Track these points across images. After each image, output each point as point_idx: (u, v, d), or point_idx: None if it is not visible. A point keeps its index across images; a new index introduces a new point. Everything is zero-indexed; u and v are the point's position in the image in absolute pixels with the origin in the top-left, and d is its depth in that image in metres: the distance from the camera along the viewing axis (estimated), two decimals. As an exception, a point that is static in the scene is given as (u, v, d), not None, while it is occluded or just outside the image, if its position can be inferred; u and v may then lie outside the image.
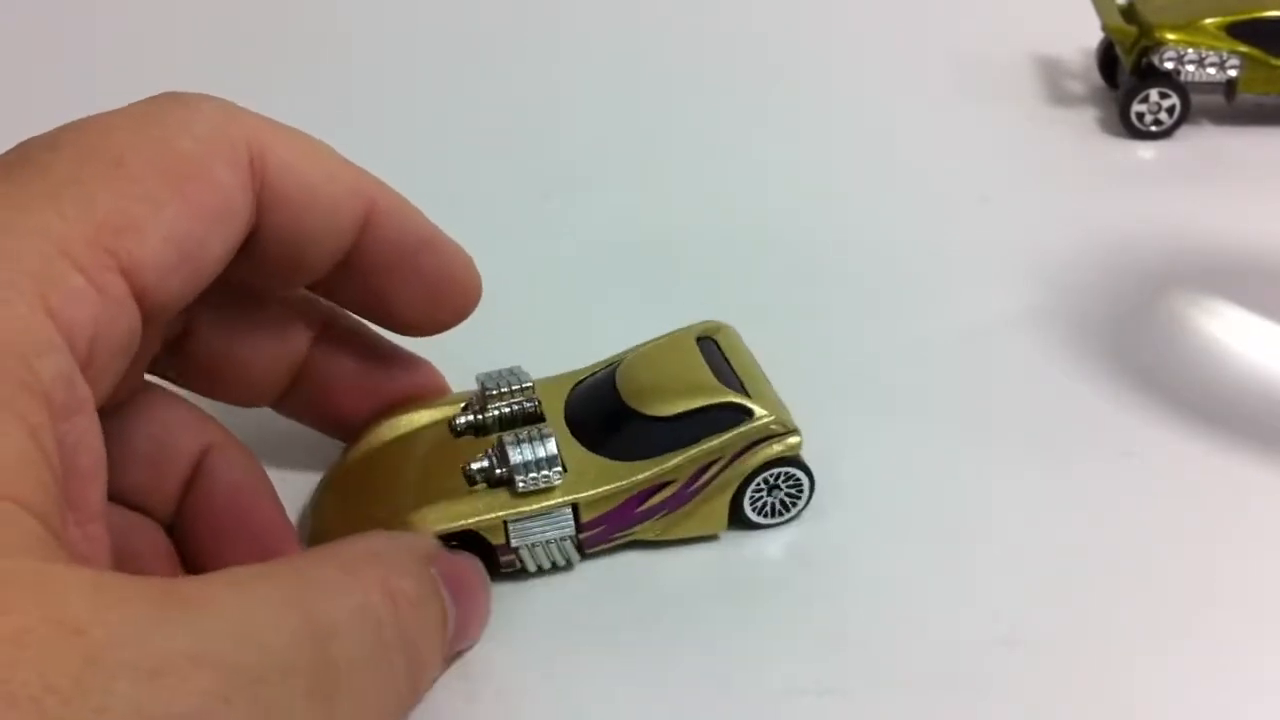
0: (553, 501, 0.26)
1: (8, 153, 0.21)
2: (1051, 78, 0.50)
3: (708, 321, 0.31)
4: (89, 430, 0.20)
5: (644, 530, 0.28)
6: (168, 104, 0.23)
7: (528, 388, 0.28)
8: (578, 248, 0.40)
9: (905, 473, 0.30)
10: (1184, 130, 0.45)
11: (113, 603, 0.16)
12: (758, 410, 0.27)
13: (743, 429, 0.27)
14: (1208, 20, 0.45)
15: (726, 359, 0.29)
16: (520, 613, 0.26)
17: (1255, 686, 0.25)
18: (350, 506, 0.28)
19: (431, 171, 0.44)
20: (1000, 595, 0.27)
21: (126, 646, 0.16)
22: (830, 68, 0.52)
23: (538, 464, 0.26)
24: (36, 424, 0.18)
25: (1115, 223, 0.40)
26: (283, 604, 0.19)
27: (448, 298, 0.27)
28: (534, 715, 0.24)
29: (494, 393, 0.28)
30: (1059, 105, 0.48)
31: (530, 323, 0.36)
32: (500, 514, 0.26)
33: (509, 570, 0.27)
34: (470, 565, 0.25)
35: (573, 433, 0.28)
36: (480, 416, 0.28)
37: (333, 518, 0.28)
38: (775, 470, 0.28)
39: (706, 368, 0.28)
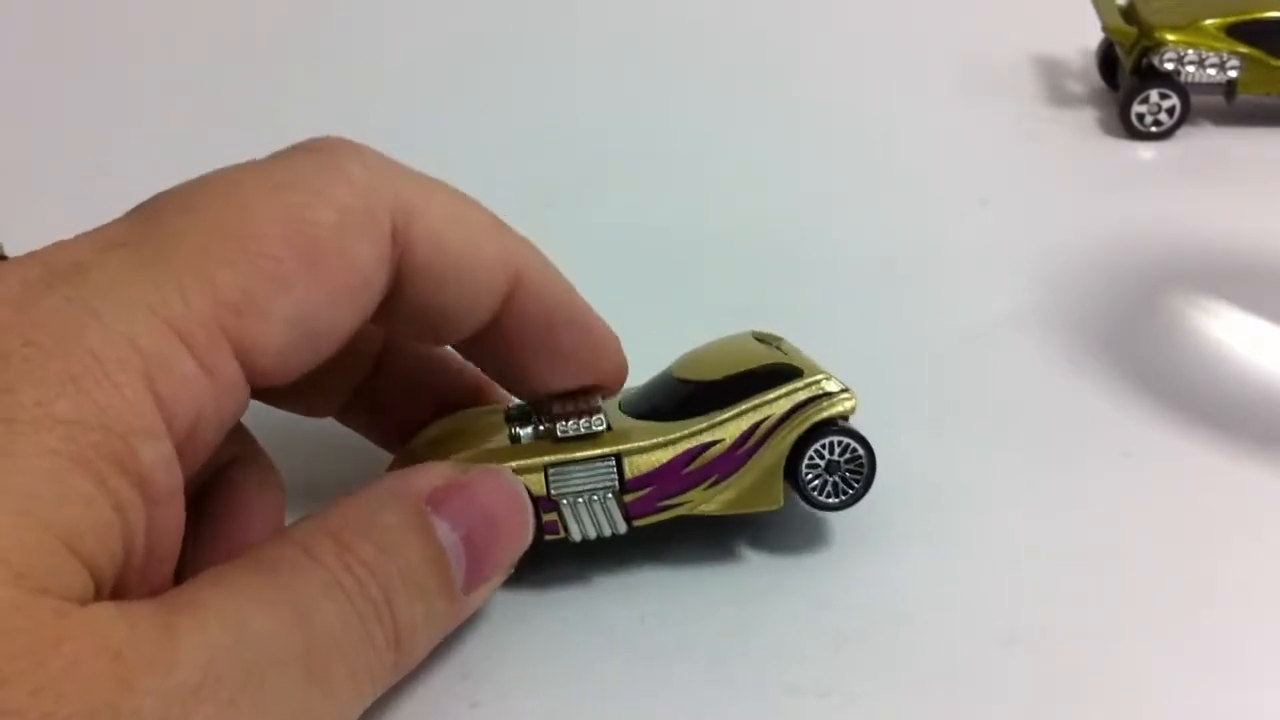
0: (595, 451, 0.26)
1: (143, 207, 0.21)
2: (1052, 78, 0.50)
3: (763, 330, 0.30)
4: (175, 516, 0.19)
5: (694, 499, 0.27)
6: (314, 163, 0.21)
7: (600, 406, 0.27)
8: (578, 254, 0.40)
9: (905, 472, 0.30)
10: (1184, 131, 0.45)
11: (135, 623, 0.17)
12: (808, 371, 0.27)
13: (790, 386, 0.27)
14: (1208, 21, 0.45)
15: (781, 349, 0.29)
16: (522, 614, 0.26)
17: (1255, 685, 0.25)
18: None
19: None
20: (1000, 595, 0.27)
21: (149, 668, 0.17)
22: (830, 68, 0.52)
23: (581, 413, 0.26)
24: (126, 501, 0.18)
25: (1115, 223, 0.40)
26: (265, 592, 0.19)
27: (588, 378, 0.26)
28: (534, 716, 0.24)
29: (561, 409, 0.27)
30: (1059, 106, 0.48)
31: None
32: (541, 459, 0.25)
33: (552, 536, 0.26)
34: (485, 486, 0.24)
35: (624, 413, 0.28)
36: (540, 427, 0.27)
37: None
38: (828, 440, 0.27)
39: (761, 346, 0.28)
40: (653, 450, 0.26)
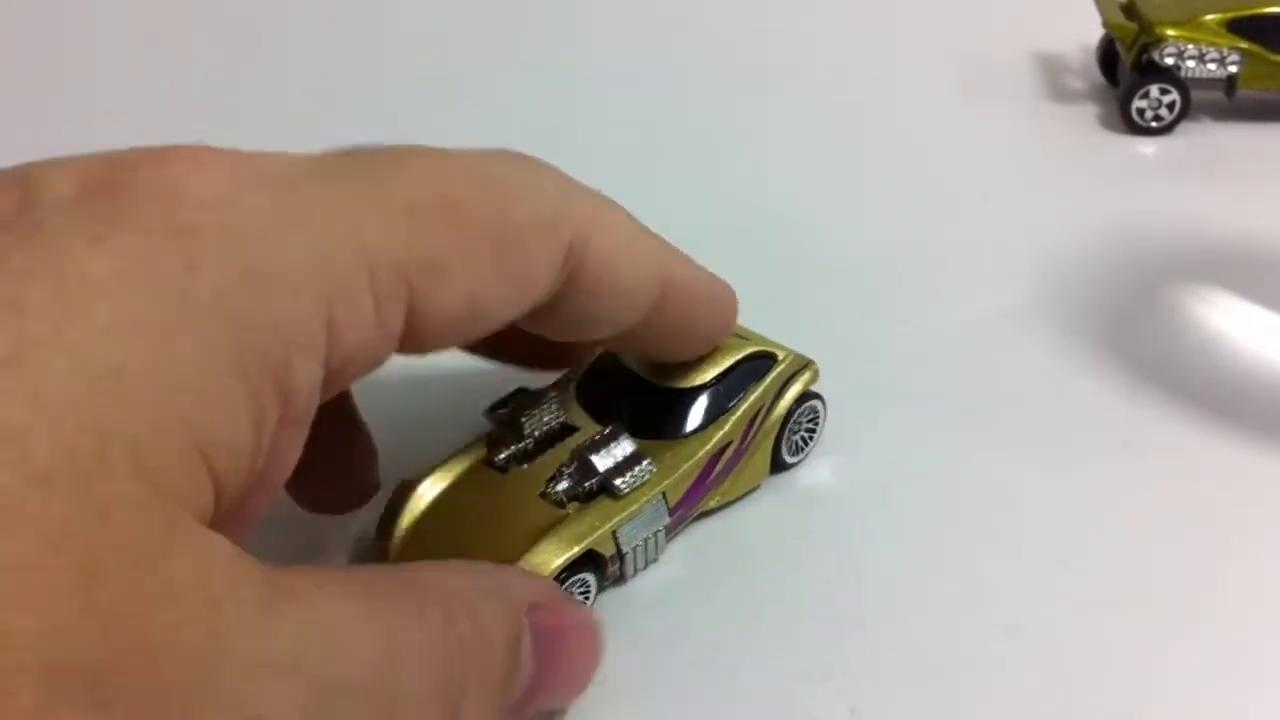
0: (650, 495, 0.26)
1: (350, 151, 0.21)
2: (1052, 74, 0.50)
3: None
4: (297, 443, 0.19)
5: (708, 500, 0.28)
6: (516, 167, 0.23)
7: (553, 399, 0.28)
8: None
9: (907, 463, 0.30)
10: (1184, 126, 0.45)
11: (244, 579, 0.16)
12: (778, 351, 0.29)
13: (777, 370, 0.28)
14: (1208, 16, 0.45)
15: (740, 334, 0.29)
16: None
17: (1257, 675, 0.25)
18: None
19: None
20: (1002, 584, 0.27)
21: (242, 636, 0.16)
22: (830, 64, 0.52)
23: (628, 462, 0.26)
24: (267, 418, 0.17)
25: (1116, 218, 0.40)
26: (368, 620, 0.18)
27: (708, 340, 0.28)
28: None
29: (527, 417, 0.27)
30: (1060, 102, 0.48)
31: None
32: (611, 523, 0.26)
33: (609, 584, 0.27)
34: (578, 622, 0.23)
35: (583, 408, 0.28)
36: (519, 446, 0.27)
37: None
38: (802, 406, 0.29)
39: None
40: (687, 475, 0.27)
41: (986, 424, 0.32)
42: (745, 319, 0.31)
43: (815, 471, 0.30)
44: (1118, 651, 0.25)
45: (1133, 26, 0.46)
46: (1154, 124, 0.45)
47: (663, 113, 0.49)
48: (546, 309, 0.23)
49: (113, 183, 0.17)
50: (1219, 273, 0.37)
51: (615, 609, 0.26)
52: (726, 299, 0.27)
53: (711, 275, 0.26)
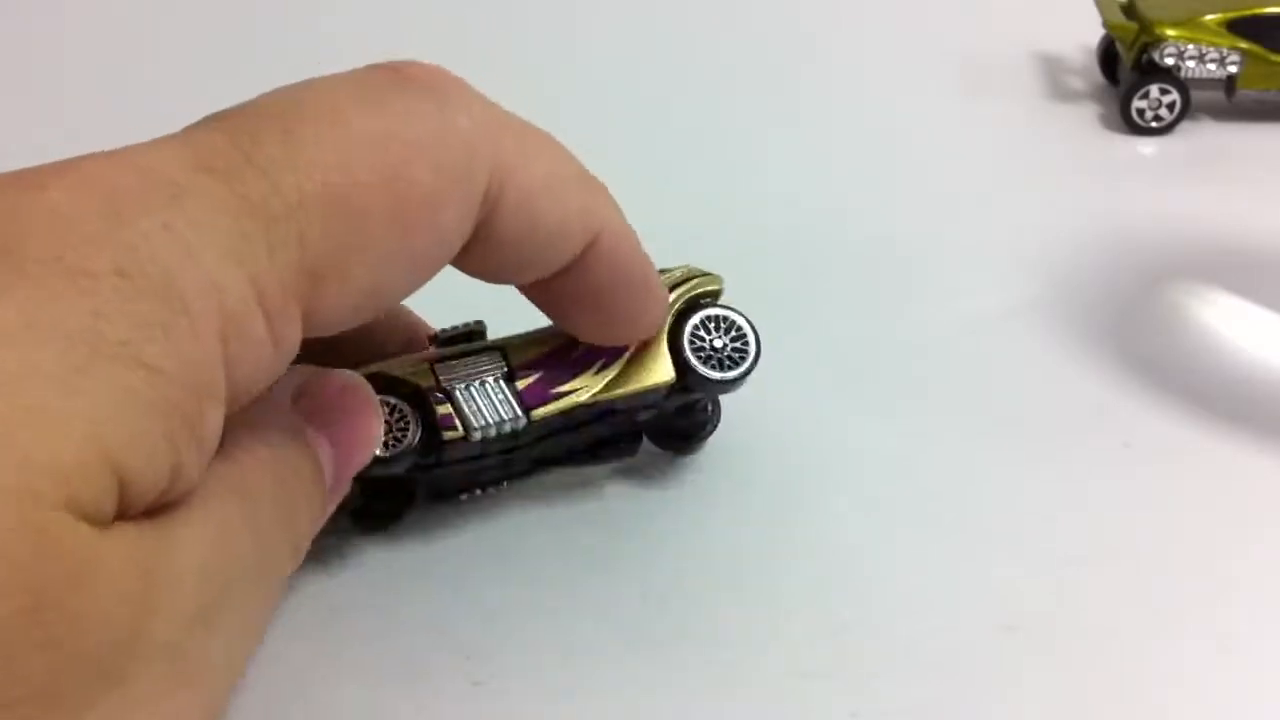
0: (478, 344, 0.26)
1: (238, 115, 0.19)
2: (1052, 74, 0.50)
3: None
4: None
5: (587, 384, 0.26)
6: (421, 109, 0.20)
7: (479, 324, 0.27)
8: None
9: (905, 461, 0.30)
10: (1184, 126, 0.46)
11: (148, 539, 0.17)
12: (678, 268, 0.28)
13: (666, 272, 0.27)
14: (1208, 17, 0.45)
15: None
16: (522, 595, 0.26)
17: (1257, 675, 0.25)
18: None
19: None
20: (1002, 584, 0.27)
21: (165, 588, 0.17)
22: (832, 64, 0.52)
23: (469, 335, 0.26)
24: (186, 464, 0.17)
25: (1116, 217, 0.40)
26: (239, 517, 0.19)
27: (631, 336, 0.26)
28: (536, 698, 0.24)
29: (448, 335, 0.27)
30: (1060, 101, 0.48)
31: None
32: (424, 356, 0.26)
33: (450, 433, 0.25)
34: (339, 384, 0.23)
35: None
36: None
37: None
38: (709, 315, 0.28)
39: None
40: (536, 343, 0.26)
41: (986, 424, 0.32)
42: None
43: (815, 470, 0.30)
44: (1117, 651, 0.25)
45: (1133, 26, 0.46)
46: (1154, 124, 0.46)
47: (663, 112, 0.49)
48: (459, 255, 0.22)
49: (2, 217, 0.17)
50: (1219, 273, 0.37)
51: (616, 608, 0.26)
52: (659, 292, 0.26)
53: (646, 256, 0.25)
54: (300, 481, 0.21)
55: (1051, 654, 0.25)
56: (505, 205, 0.21)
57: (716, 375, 0.27)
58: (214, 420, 0.18)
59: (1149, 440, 0.31)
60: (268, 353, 0.18)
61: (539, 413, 0.26)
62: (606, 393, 0.27)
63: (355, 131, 0.19)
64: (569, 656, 0.25)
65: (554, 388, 0.26)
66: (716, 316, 0.28)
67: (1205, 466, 0.30)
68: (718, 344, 0.28)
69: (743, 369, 0.27)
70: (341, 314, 0.19)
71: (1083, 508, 0.29)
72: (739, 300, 0.28)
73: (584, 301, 0.25)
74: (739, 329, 0.28)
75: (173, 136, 0.18)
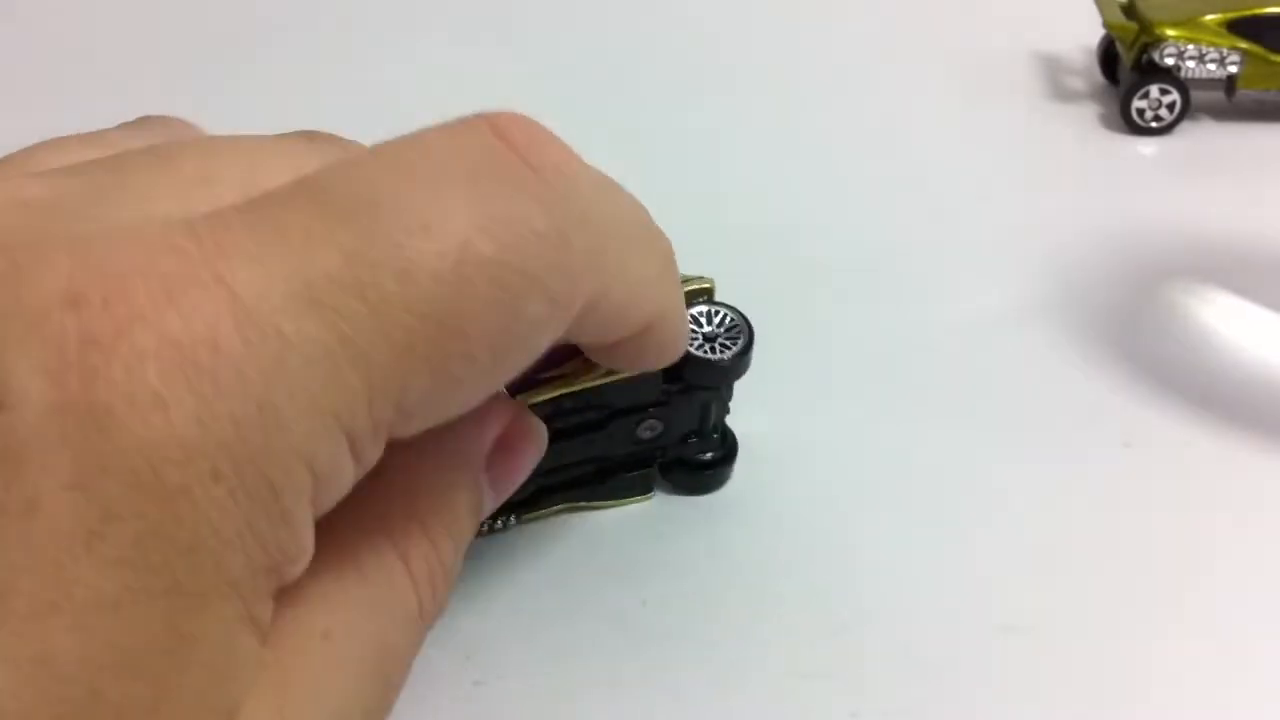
0: None
1: (354, 203, 0.16)
2: (1052, 74, 0.50)
3: None
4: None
5: (576, 369, 0.26)
6: (536, 209, 0.17)
7: None
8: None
9: (905, 461, 0.30)
10: (1184, 126, 0.46)
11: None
12: None
13: None
14: (1208, 17, 0.45)
15: None
16: (524, 597, 0.27)
17: (1257, 674, 0.25)
18: None
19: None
20: (1002, 583, 0.27)
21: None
22: (830, 64, 0.52)
23: None
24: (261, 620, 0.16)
25: (1116, 217, 0.40)
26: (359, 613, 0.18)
27: (652, 364, 0.24)
28: (536, 698, 0.24)
29: None
30: (1060, 101, 0.48)
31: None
32: None
33: None
34: (527, 433, 0.22)
35: None
36: None
37: None
38: (700, 310, 0.28)
39: None
40: None
41: (986, 424, 0.32)
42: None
43: (815, 470, 0.30)
44: (1117, 651, 0.25)
45: (1133, 26, 0.46)
46: (1154, 124, 0.45)
47: (663, 112, 0.49)
48: None
49: (87, 381, 0.14)
50: (1219, 272, 0.37)
51: (616, 608, 0.26)
52: (685, 333, 0.25)
53: (683, 308, 0.24)
54: (458, 542, 0.20)
55: (1051, 654, 0.25)
56: (590, 317, 0.19)
57: (712, 358, 0.27)
58: (298, 571, 0.17)
59: (1149, 440, 0.31)
60: (352, 474, 0.17)
61: (525, 397, 0.25)
62: (597, 380, 0.26)
63: (471, 256, 0.16)
64: (569, 657, 0.25)
65: (540, 372, 0.25)
66: (708, 310, 0.28)
67: (1205, 466, 0.30)
68: (709, 333, 0.28)
69: (735, 351, 0.27)
70: (425, 422, 0.18)
71: (1082, 507, 0.29)
72: (738, 300, 0.28)
73: (616, 354, 0.23)
74: (730, 319, 0.28)
75: (280, 225, 0.16)
